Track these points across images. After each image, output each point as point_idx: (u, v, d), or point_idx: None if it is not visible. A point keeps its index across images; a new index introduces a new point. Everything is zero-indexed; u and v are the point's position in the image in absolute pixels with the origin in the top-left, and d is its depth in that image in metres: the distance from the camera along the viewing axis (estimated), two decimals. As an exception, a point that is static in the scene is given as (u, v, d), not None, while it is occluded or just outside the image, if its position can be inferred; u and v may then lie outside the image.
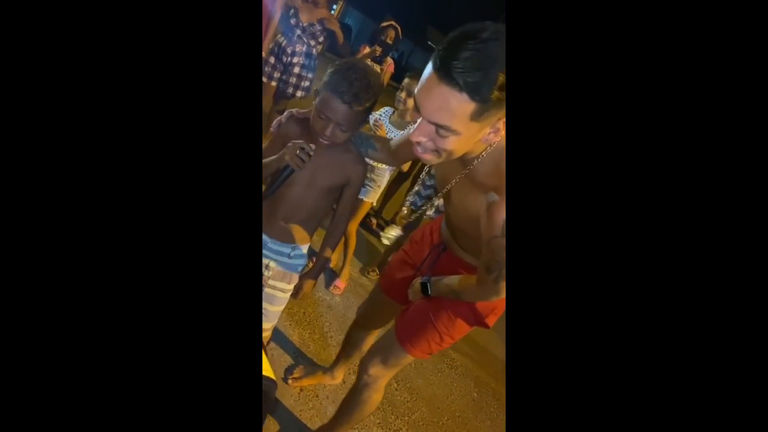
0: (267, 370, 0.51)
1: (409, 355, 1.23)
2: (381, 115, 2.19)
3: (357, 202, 1.29)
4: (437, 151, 0.81)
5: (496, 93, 0.70)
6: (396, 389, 1.96)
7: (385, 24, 3.18)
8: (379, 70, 3.22)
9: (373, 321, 1.53)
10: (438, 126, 0.75)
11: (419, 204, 2.15)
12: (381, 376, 1.28)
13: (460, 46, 0.69)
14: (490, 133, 0.80)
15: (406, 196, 2.99)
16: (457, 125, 0.74)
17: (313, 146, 1.06)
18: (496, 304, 1.17)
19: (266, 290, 1.30)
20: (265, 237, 1.25)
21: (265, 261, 1.27)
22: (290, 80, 3.08)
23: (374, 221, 3.33)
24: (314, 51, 3.07)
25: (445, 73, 0.70)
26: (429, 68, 0.73)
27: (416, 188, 2.23)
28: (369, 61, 3.22)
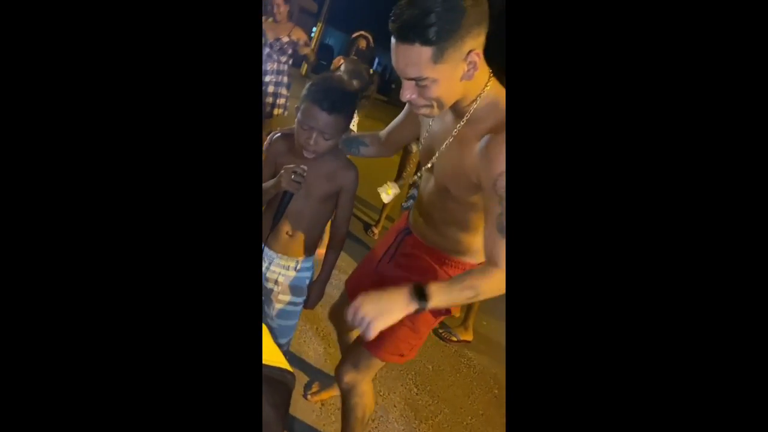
0: (282, 362, 0.51)
1: (379, 360, 1.18)
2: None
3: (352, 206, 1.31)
4: (429, 104, 0.91)
5: (433, 34, 0.81)
6: (417, 394, 1.96)
7: (355, 35, 3.26)
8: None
9: (342, 324, 1.46)
10: (414, 80, 0.87)
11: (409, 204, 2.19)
12: (357, 381, 1.23)
13: (402, 14, 0.82)
14: (468, 69, 0.87)
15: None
16: (426, 72, 0.85)
17: (305, 167, 1.10)
18: None
19: (278, 306, 1.32)
20: (271, 253, 1.27)
21: (273, 276, 1.29)
22: (266, 99, 3.13)
23: (376, 231, 3.35)
24: (285, 67, 3.12)
25: (399, 35, 0.84)
26: (392, 40, 0.86)
27: (410, 192, 2.26)
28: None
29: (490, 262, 0.92)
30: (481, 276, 0.92)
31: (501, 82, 0.94)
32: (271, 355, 0.51)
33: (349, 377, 1.23)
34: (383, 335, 0.96)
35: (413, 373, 2.07)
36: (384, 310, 0.88)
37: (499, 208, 0.89)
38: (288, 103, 3.32)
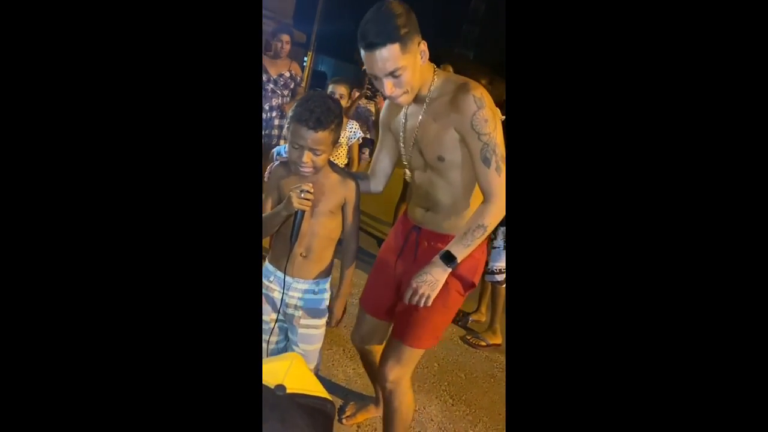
0: (321, 390, 0.51)
1: (420, 350, 1.30)
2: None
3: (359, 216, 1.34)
4: (405, 91, 1.15)
5: (399, 31, 1.08)
6: (452, 405, 1.92)
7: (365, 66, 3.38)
8: (372, 107, 3.46)
9: (371, 341, 1.52)
10: (392, 73, 1.11)
11: None
12: (401, 377, 1.31)
13: (368, 33, 1.09)
14: (422, 57, 1.15)
15: None
16: (400, 62, 1.11)
17: (311, 184, 1.16)
18: (477, 262, 1.26)
19: (301, 331, 1.31)
20: (288, 278, 1.27)
21: (292, 302, 1.29)
22: (273, 132, 3.21)
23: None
24: (287, 100, 3.21)
25: (371, 46, 1.10)
26: (362, 53, 1.12)
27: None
28: (363, 100, 3.46)
29: (485, 195, 1.15)
30: (481, 212, 1.14)
31: (502, 78, 1.12)
32: (310, 384, 0.50)
33: (394, 374, 1.29)
34: (420, 326, 1.25)
35: (446, 383, 2.04)
36: (434, 283, 1.14)
37: (479, 143, 1.12)
38: None
